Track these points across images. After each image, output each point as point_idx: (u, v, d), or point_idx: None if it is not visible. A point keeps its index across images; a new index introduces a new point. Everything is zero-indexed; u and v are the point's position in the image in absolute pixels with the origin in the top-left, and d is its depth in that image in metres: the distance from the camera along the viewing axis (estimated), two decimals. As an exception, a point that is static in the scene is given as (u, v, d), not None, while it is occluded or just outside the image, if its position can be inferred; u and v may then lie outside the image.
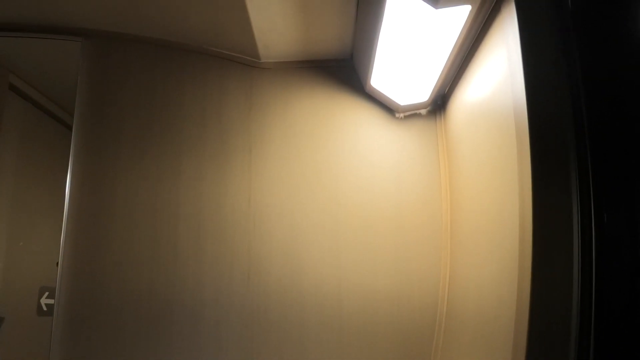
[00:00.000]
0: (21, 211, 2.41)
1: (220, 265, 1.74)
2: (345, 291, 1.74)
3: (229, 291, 1.72)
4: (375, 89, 1.81)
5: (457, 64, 1.60)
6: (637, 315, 0.99)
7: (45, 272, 2.50)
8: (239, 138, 1.84)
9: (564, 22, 1.12)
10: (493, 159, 1.34)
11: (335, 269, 1.75)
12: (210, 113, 1.86)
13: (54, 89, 2.47)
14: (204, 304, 1.71)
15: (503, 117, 1.25)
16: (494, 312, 1.27)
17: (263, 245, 1.76)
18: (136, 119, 1.85)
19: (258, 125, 1.86)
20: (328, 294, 1.73)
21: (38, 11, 1.83)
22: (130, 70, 1.91)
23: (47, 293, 2.54)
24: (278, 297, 1.73)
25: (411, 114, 1.87)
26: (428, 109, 1.85)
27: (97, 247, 1.74)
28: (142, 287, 1.71)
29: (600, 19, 1.13)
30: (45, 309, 2.53)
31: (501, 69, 1.27)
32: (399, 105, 1.83)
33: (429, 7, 1.28)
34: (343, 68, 1.93)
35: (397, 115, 1.87)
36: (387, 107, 1.88)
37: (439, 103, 1.85)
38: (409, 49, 1.58)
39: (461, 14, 1.34)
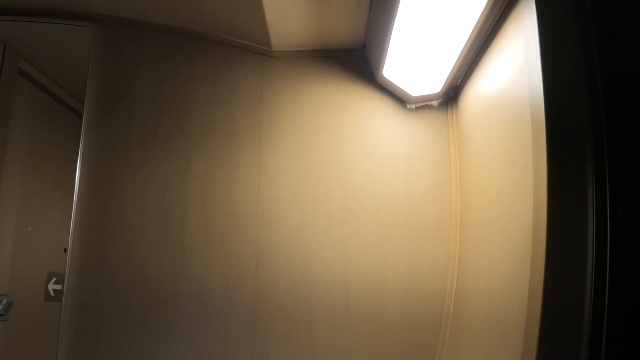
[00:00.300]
0: (30, 197, 2.42)
1: (229, 254, 1.74)
2: (353, 281, 1.73)
3: (237, 280, 1.72)
4: (387, 79, 1.80)
5: (471, 55, 1.58)
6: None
7: (53, 258, 2.51)
8: (249, 128, 1.84)
9: (583, 13, 1.10)
10: (506, 152, 1.33)
11: (344, 260, 1.75)
12: (221, 102, 1.85)
13: (65, 76, 2.46)
14: (211, 293, 1.71)
15: (518, 110, 1.24)
16: (504, 305, 1.26)
17: (271, 235, 1.76)
18: (147, 108, 1.85)
19: (268, 115, 1.85)
20: (336, 284, 1.73)
21: (49, -5, 1.83)
22: (141, 57, 1.90)
23: (54, 279, 2.55)
24: (286, 286, 1.73)
25: (423, 105, 1.85)
26: (440, 100, 1.84)
27: (106, 234, 1.75)
28: (151, 274, 1.71)
29: (620, 10, 1.11)
30: (52, 294, 2.54)
31: (517, 61, 1.25)
32: (411, 96, 1.81)
33: (445, -4, 1.27)
34: (355, 58, 1.91)
35: (408, 106, 1.86)
36: (398, 98, 1.87)
37: (451, 95, 1.83)
38: (422, 39, 1.57)
39: (477, 4, 1.32)
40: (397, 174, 1.81)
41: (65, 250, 1.75)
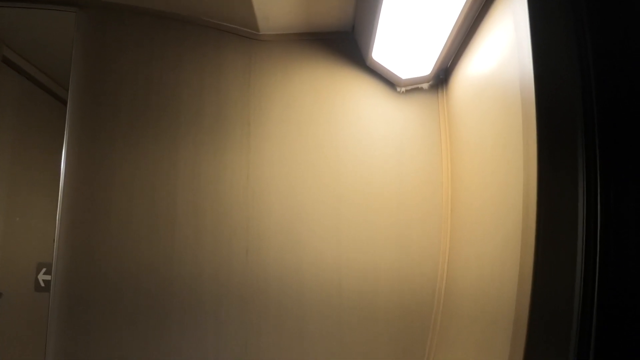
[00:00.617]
0: (18, 186, 2.39)
1: (219, 241, 1.72)
2: (344, 267, 1.73)
3: (228, 267, 1.71)
4: (376, 62, 1.78)
5: (461, 36, 1.56)
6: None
7: (43, 248, 2.49)
8: (238, 112, 1.81)
9: (574, -10, 1.09)
10: (497, 134, 1.32)
11: (335, 245, 1.74)
12: (209, 87, 1.82)
13: (49, 63, 2.42)
14: (202, 280, 1.70)
15: (509, 91, 1.22)
16: (494, 290, 1.26)
17: (262, 221, 1.74)
18: (133, 94, 1.81)
19: (257, 98, 1.83)
20: (327, 269, 1.72)
21: (30, -20, 1.78)
22: (126, 42, 1.86)
23: (44, 269, 2.53)
24: (277, 273, 1.72)
25: (413, 88, 1.84)
26: (430, 83, 1.82)
27: (94, 223, 1.72)
28: (141, 262, 1.70)
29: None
30: (42, 285, 2.53)
31: (508, 41, 1.23)
32: (401, 79, 1.79)
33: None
34: (344, 41, 1.89)
35: (398, 89, 1.84)
36: (388, 81, 1.85)
37: (442, 77, 1.81)
38: (411, 21, 1.54)
39: (467, -17, 1.30)
40: (388, 158, 1.80)
41: (54, 241, 1.73)
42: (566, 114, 1.04)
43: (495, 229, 1.29)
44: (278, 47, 1.87)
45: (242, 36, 1.87)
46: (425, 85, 1.83)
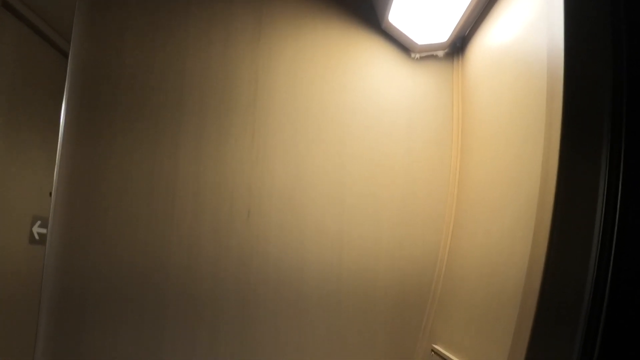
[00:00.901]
0: (15, 137, 2.33)
1: (220, 200, 1.69)
2: (346, 233, 1.70)
3: (228, 228, 1.68)
4: (392, 25, 1.71)
5: (483, 2, 1.50)
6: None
7: (38, 201, 2.46)
8: (245, 68, 1.75)
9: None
10: (515, 110, 1.27)
11: (338, 210, 1.71)
12: (217, 41, 1.75)
13: (50, 10, 2.34)
14: (201, 239, 1.67)
15: (533, 62, 1.17)
16: (502, 266, 1.23)
17: (264, 183, 1.70)
18: (138, 46, 1.74)
19: (266, 55, 1.76)
20: (329, 234, 1.70)
21: None
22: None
23: (39, 222, 2.51)
24: (277, 236, 1.69)
25: (428, 55, 1.78)
26: (446, 50, 1.76)
27: (93, 176, 1.68)
28: (140, 217, 1.66)
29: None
30: (37, 237, 2.50)
31: (535, 6, 1.17)
32: (416, 44, 1.73)
33: None
34: (360, 1, 1.81)
35: (413, 55, 1.78)
36: (403, 46, 1.78)
37: (459, 45, 1.76)
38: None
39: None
40: (397, 125, 1.75)
41: (51, 194, 1.68)
42: (596, 89, 0.98)
43: (507, 206, 1.26)
44: (290, 4, 1.79)
45: (253, -10, 1.80)
46: (440, 53, 1.77)
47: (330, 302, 1.69)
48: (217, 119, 1.72)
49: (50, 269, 1.63)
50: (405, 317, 1.70)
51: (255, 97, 1.73)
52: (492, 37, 1.48)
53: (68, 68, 1.71)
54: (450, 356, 1.45)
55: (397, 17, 1.67)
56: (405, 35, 1.72)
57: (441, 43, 1.73)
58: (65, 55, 2.21)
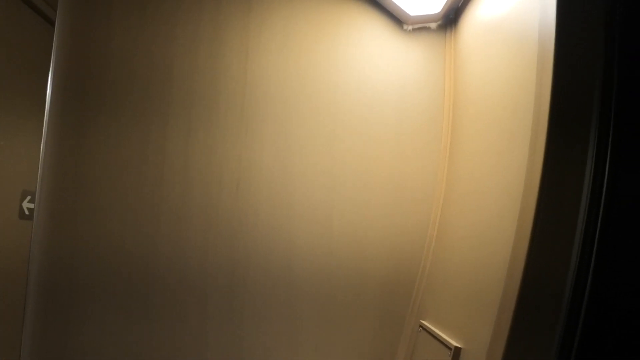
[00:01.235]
0: (2, 109, 2.30)
1: (209, 171, 1.67)
2: (337, 209, 1.70)
3: (218, 198, 1.66)
4: (385, -5, 1.68)
5: (476, -30, 1.47)
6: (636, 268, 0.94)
7: (28, 175, 2.43)
8: (236, 38, 1.71)
9: None
10: (507, 82, 1.25)
11: (328, 185, 1.70)
12: (207, 9, 1.71)
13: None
14: (191, 210, 1.65)
15: (525, 37, 1.15)
16: (491, 235, 1.23)
17: (254, 154, 1.68)
18: (127, 14, 1.70)
19: (257, 25, 1.72)
20: (318, 209, 1.69)
21: None
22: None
23: (29, 197, 2.49)
24: (267, 207, 1.68)
25: (420, 27, 1.75)
26: (439, 22, 1.73)
27: (81, 148, 1.65)
28: (129, 188, 1.64)
29: None
30: (27, 212, 2.48)
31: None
32: (409, 15, 1.70)
33: None
34: (352, -29, 1.77)
35: (405, 27, 1.75)
36: (395, 18, 1.75)
37: (452, 17, 1.72)
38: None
39: None
40: (388, 99, 1.73)
41: (40, 167, 1.66)
42: (586, 65, 0.97)
43: (497, 184, 1.25)
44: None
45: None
46: (433, 25, 1.74)
47: (320, 277, 1.68)
48: (206, 92, 1.69)
49: (37, 247, 1.61)
50: (395, 293, 1.71)
51: (245, 70, 1.70)
52: (484, 9, 1.46)
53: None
54: (438, 332, 1.45)
55: (389, -14, 1.64)
56: (397, 6, 1.69)
57: (434, 15, 1.70)
58: (51, 23, 2.16)
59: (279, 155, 1.69)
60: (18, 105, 2.38)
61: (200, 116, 1.68)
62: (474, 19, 1.55)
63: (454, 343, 1.32)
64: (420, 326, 1.59)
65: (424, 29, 1.75)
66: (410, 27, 1.74)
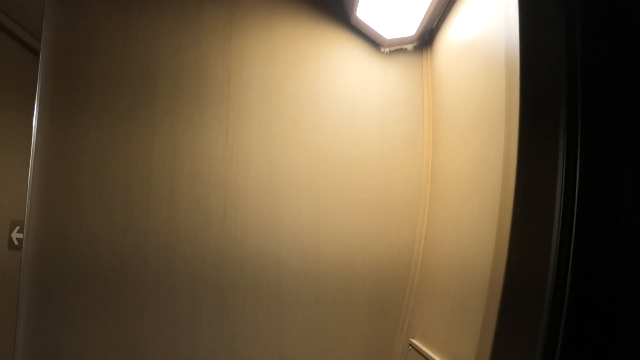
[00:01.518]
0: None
1: (196, 198, 1.69)
2: (323, 228, 1.72)
3: (205, 224, 1.69)
4: (361, 20, 1.73)
5: (447, -5, 1.52)
6: (614, 252, 0.97)
7: (17, 205, 2.44)
8: (218, 67, 1.75)
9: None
10: (480, 98, 1.30)
11: (314, 205, 1.73)
12: (188, 40, 1.75)
13: (20, 9, 2.31)
14: (179, 237, 1.67)
15: (494, 54, 1.20)
16: (472, 249, 1.26)
17: (240, 179, 1.71)
18: (109, 46, 1.73)
19: (238, 53, 1.77)
20: (306, 230, 1.72)
21: None
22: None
23: (18, 227, 2.49)
24: (254, 231, 1.70)
25: (397, 49, 1.80)
26: (414, 44, 1.78)
27: (67, 179, 1.67)
28: (116, 218, 1.66)
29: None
30: (16, 243, 2.48)
31: (494, 2, 1.20)
32: (385, 39, 1.75)
33: None
34: (329, -3, 1.82)
35: (382, 49, 1.80)
36: (372, 41, 1.80)
37: (426, 38, 1.78)
38: (398, -23, 1.49)
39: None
40: (369, 119, 1.77)
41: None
42: (550, 77, 1.02)
43: (476, 191, 1.29)
44: (261, 1, 1.80)
45: (223, -11, 1.80)
46: (409, 47, 1.79)
47: (309, 297, 1.70)
48: (190, 117, 1.72)
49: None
50: (384, 312, 1.72)
51: (228, 96, 1.74)
52: (456, 31, 1.51)
53: (39, 66, 1.69)
54: (427, 351, 1.47)
55: (365, 12, 1.69)
56: (373, 30, 1.74)
57: (409, 37, 1.75)
58: (36, 54, 2.18)
59: (264, 180, 1.72)
60: (3, 136, 2.39)
61: (185, 143, 1.71)
62: (447, 40, 1.60)
63: (442, 361, 1.35)
64: (410, 345, 1.62)
65: (400, 51, 1.80)
66: (387, 50, 1.79)
